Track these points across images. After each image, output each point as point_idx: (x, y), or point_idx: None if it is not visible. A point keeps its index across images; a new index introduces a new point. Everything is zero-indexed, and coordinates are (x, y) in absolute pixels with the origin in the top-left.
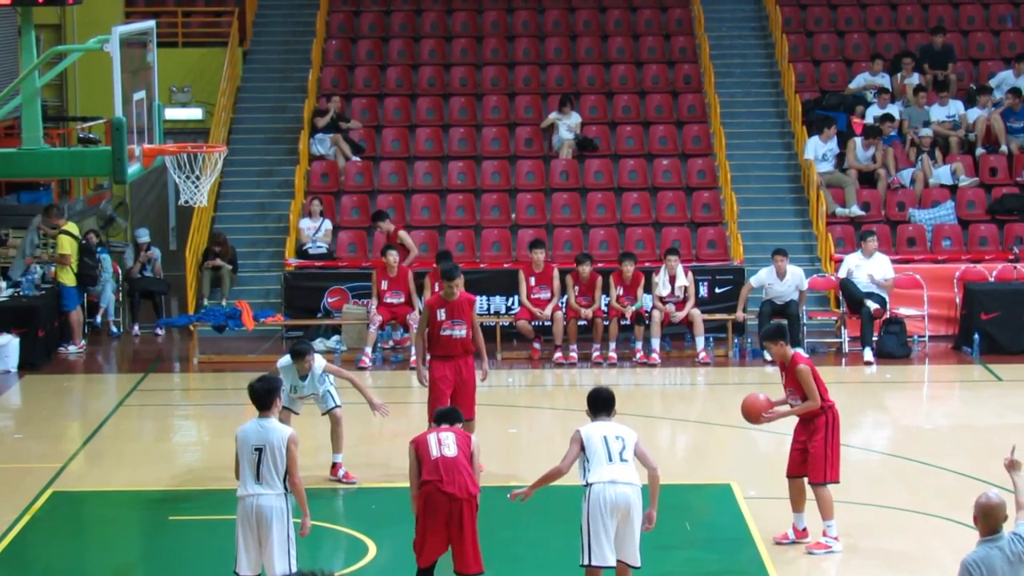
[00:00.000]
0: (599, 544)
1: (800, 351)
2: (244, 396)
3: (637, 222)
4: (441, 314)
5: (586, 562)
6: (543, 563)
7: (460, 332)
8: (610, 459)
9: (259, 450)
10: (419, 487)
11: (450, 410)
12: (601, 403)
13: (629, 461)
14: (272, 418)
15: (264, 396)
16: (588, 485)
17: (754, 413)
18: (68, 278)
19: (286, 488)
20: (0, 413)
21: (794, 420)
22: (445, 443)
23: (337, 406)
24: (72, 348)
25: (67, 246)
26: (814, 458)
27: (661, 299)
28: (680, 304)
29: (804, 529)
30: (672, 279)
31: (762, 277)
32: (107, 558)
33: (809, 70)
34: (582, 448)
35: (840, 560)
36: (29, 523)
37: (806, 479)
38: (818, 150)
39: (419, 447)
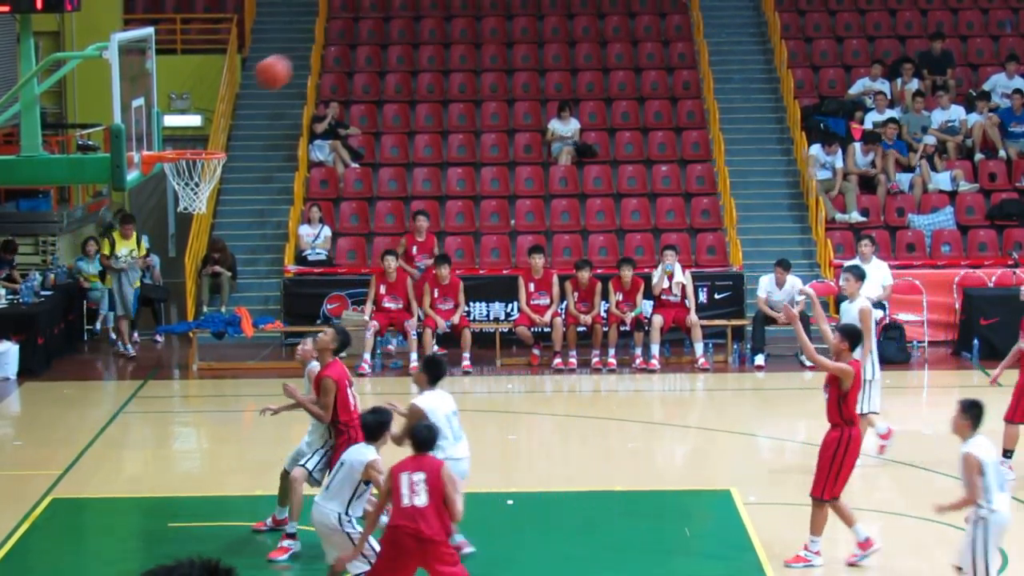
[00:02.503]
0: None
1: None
2: (243, 403)
3: (636, 228)
4: None
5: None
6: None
7: None
8: (456, 437)
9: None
10: (385, 520)
11: (429, 434)
12: (442, 370)
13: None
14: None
15: (375, 429)
16: (457, 460)
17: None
18: (135, 282)
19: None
20: (0, 420)
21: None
22: (417, 491)
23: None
24: (125, 348)
25: (106, 248)
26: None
27: (656, 296)
28: (678, 304)
29: (867, 539)
30: (669, 276)
31: (764, 285)
32: (107, 565)
33: (808, 76)
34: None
35: (839, 566)
36: (29, 530)
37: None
38: (820, 157)
39: (393, 484)
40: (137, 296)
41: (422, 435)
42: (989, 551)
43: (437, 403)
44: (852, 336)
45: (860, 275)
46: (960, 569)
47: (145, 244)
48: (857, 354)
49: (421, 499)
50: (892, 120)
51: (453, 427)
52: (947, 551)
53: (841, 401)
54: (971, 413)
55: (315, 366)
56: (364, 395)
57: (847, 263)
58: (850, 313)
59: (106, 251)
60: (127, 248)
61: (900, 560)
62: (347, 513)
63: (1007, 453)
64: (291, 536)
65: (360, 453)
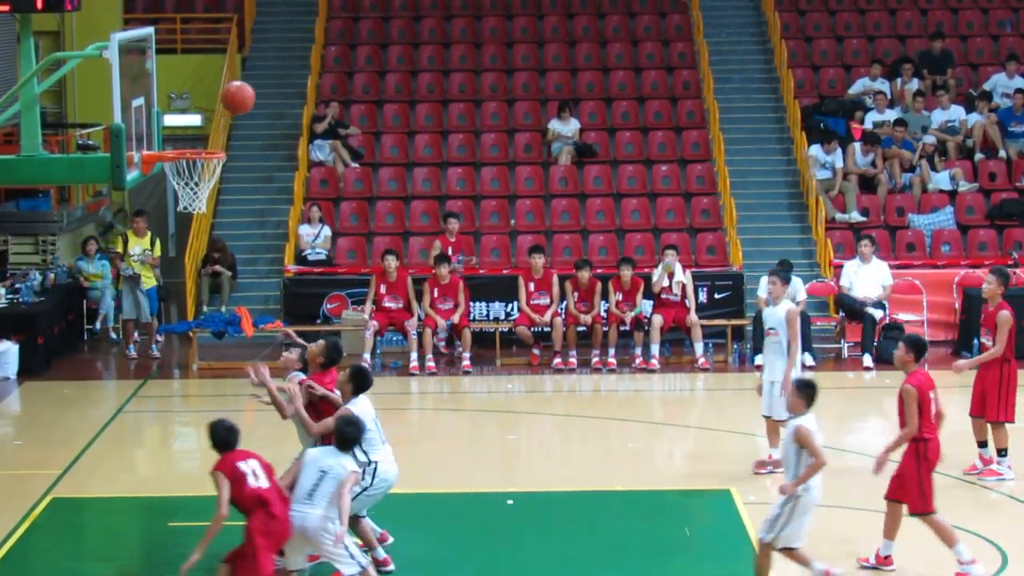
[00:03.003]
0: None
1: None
2: (243, 402)
3: (636, 228)
4: None
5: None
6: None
7: None
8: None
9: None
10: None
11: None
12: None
13: None
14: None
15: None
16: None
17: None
18: (154, 279)
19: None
20: (0, 419)
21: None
22: (258, 472)
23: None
24: (154, 349)
25: (119, 246)
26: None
27: (657, 295)
28: (678, 303)
29: (888, 557)
30: (670, 275)
31: (765, 285)
32: (107, 564)
33: (808, 76)
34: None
35: (841, 565)
36: (29, 529)
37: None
38: (820, 157)
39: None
40: (155, 295)
41: (346, 433)
42: (792, 523)
43: (364, 409)
44: (917, 347)
45: (786, 279)
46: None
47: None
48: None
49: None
50: (900, 122)
51: (381, 432)
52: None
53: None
54: (807, 392)
55: (296, 375)
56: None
57: (773, 268)
58: (776, 316)
59: (120, 249)
60: (140, 246)
61: (900, 557)
62: (327, 515)
63: (1001, 452)
64: None
65: (340, 465)
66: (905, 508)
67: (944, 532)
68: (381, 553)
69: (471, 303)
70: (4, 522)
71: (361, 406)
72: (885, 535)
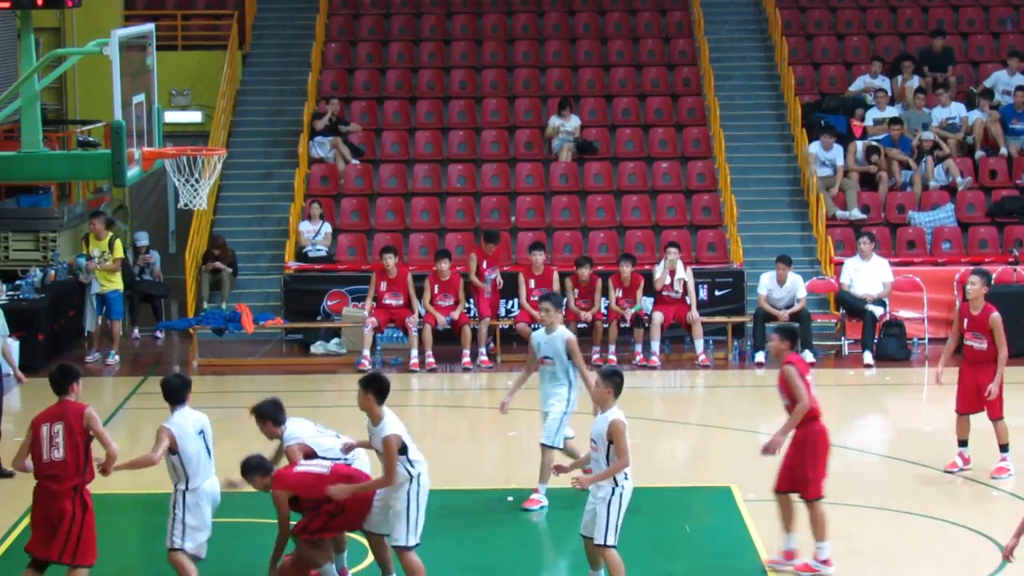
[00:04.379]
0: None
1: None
2: (245, 399)
3: (637, 225)
4: None
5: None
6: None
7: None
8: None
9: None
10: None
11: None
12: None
13: None
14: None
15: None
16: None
17: None
18: (118, 283)
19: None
20: None
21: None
22: (55, 442)
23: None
24: (113, 356)
25: (121, 249)
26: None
27: (658, 292)
28: (679, 300)
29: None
30: (672, 272)
31: (765, 282)
32: (107, 562)
33: (809, 73)
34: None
35: (840, 561)
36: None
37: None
38: (820, 154)
39: (33, 435)
40: (120, 298)
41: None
42: (621, 519)
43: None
44: (790, 335)
45: (559, 304)
46: (593, 539)
47: (145, 242)
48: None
49: (59, 451)
50: (896, 120)
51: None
52: (947, 547)
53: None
54: (612, 381)
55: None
56: None
57: (546, 292)
58: (552, 345)
59: (86, 252)
60: (98, 249)
61: (900, 556)
62: None
63: (1003, 448)
64: None
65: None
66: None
67: (821, 524)
68: None
69: (470, 300)
70: (4, 519)
71: (391, 420)
72: (816, 538)
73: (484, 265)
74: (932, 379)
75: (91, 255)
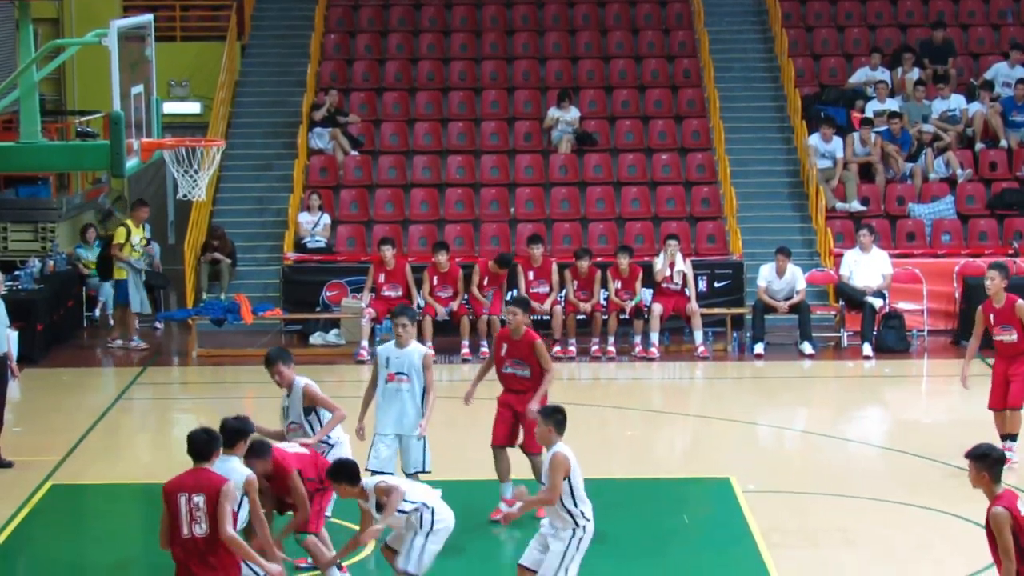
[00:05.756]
0: None
1: None
2: (244, 390)
3: (636, 216)
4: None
5: None
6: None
7: (523, 372)
8: None
9: None
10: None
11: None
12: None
13: None
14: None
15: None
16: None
17: None
18: (122, 272)
19: None
20: None
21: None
22: (197, 517)
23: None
24: (136, 341)
25: (122, 236)
26: None
27: (657, 285)
28: (678, 292)
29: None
30: (671, 264)
31: (765, 274)
32: (106, 551)
33: (809, 65)
34: None
35: (838, 553)
36: (28, 516)
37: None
38: (820, 146)
39: (169, 506)
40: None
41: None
42: (575, 566)
43: None
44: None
45: (413, 318)
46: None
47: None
48: None
49: (201, 527)
50: (896, 114)
51: None
52: (945, 539)
53: None
54: (554, 419)
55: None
56: (363, 381)
57: (402, 306)
58: (410, 359)
59: (121, 239)
60: (138, 236)
61: (898, 548)
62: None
63: (1010, 437)
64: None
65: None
66: None
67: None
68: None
69: (513, 289)
70: (3, 509)
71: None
72: None
73: (486, 282)
74: (960, 382)
75: (132, 242)
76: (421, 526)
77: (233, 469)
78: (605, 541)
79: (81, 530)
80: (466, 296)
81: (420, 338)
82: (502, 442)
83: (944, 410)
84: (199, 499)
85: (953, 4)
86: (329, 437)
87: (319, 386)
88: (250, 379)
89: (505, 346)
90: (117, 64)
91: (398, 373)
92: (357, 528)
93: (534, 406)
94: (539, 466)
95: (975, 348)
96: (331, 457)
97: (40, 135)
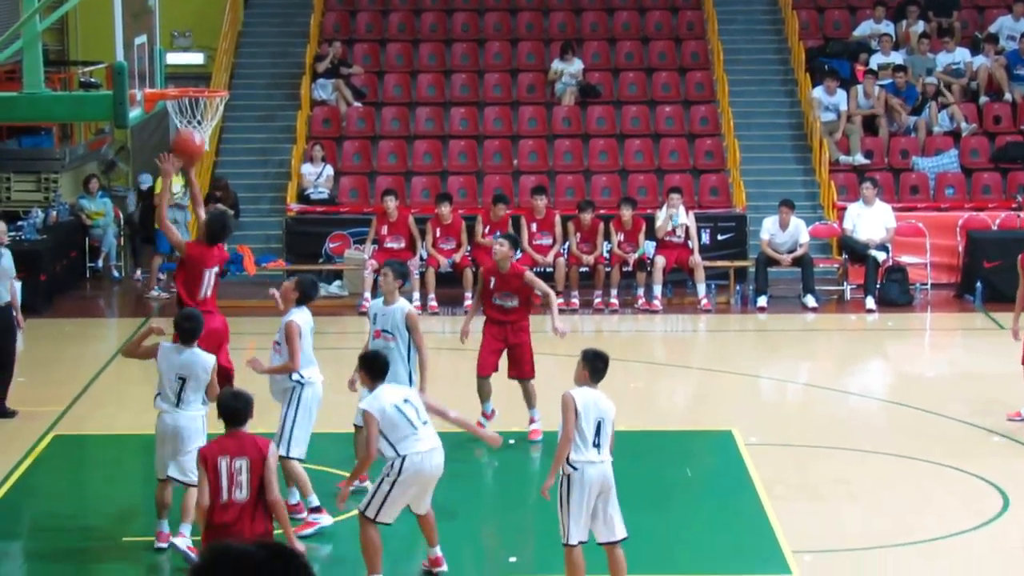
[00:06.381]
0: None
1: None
2: (246, 340)
3: (639, 169)
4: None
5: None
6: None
7: (511, 303)
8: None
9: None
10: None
11: (238, 402)
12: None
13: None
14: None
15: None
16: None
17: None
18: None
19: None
20: None
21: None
22: (237, 480)
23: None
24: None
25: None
26: None
27: (659, 238)
28: (681, 244)
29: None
30: (670, 220)
31: (768, 227)
32: (108, 502)
33: (813, 17)
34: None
35: (840, 506)
36: (31, 467)
37: None
38: (824, 99)
39: (210, 473)
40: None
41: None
42: (572, 508)
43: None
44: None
45: (399, 272)
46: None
47: (149, 183)
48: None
49: (243, 491)
50: (901, 68)
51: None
52: (947, 491)
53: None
54: (592, 365)
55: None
56: (363, 332)
57: (388, 260)
58: (393, 319)
59: (157, 188)
60: (179, 184)
61: (901, 500)
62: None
63: None
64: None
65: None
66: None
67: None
68: (314, 501)
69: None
70: (6, 459)
71: (302, 317)
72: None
73: (487, 230)
74: (1010, 336)
75: (173, 190)
76: (390, 472)
77: (195, 352)
78: None
79: (84, 481)
80: (469, 247)
81: (423, 290)
82: (488, 372)
83: (947, 363)
84: (241, 463)
85: None
86: (302, 376)
87: (320, 337)
88: (253, 330)
89: (493, 279)
90: (120, 14)
91: (383, 331)
92: (345, 475)
93: (560, 325)
94: (530, 391)
95: (1023, 297)
96: (303, 395)
97: (43, 85)
